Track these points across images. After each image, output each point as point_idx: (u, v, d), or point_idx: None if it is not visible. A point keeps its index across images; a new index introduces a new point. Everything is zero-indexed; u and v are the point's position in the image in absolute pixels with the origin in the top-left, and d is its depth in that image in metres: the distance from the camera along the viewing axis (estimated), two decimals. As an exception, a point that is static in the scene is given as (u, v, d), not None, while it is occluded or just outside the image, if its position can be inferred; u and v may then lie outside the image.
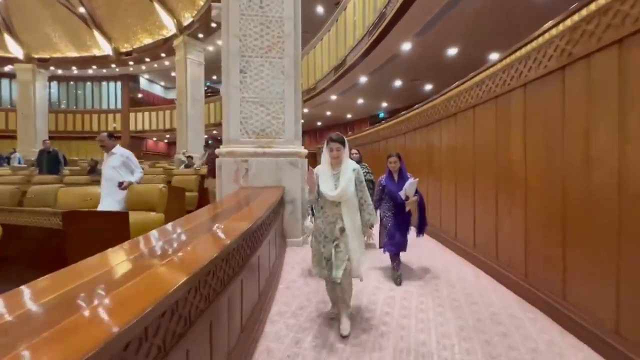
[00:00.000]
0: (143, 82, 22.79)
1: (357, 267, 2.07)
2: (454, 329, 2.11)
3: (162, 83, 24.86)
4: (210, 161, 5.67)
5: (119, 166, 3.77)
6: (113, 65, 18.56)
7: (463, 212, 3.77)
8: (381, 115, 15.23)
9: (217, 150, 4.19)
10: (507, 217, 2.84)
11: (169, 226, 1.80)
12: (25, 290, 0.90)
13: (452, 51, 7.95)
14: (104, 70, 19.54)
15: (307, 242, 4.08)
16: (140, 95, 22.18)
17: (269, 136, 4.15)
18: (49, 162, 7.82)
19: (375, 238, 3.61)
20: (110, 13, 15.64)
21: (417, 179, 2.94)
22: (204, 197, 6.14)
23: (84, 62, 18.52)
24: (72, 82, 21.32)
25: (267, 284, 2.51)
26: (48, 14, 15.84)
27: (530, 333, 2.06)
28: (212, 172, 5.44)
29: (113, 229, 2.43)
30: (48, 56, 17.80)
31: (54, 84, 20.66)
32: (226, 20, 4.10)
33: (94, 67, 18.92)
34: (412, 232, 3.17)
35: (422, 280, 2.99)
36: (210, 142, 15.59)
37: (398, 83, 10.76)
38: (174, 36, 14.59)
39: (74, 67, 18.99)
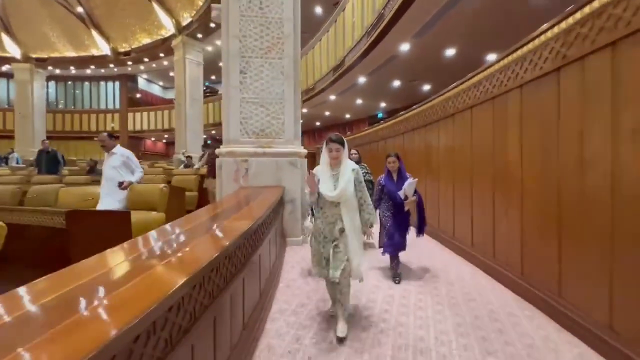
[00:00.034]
0: (141, 82, 22.76)
1: (357, 268, 2.08)
2: (451, 326, 2.15)
3: (161, 83, 24.83)
4: (211, 161, 5.69)
5: (120, 166, 3.79)
6: (111, 65, 18.52)
7: (461, 212, 3.81)
8: (380, 115, 15.28)
9: (217, 150, 4.22)
10: (504, 218, 2.88)
11: (171, 225, 1.83)
12: (29, 290, 0.91)
13: (450, 52, 8.00)
14: (102, 70, 19.50)
15: (306, 242, 4.11)
16: (138, 95, 22.15)
17: (269, 136, 4.18)
18: (48, 162, 7.81)
19: (375, 237, 3.64)
20: (109, 13, 15.61)
21: (416, 179, 2.97)
22: (204, 197, 6.16)
23: (82, 62, 18.47)
24: (70, 82, 21.27)
25: (268, 283, 2.54)
26: (46, 13, 15.80)
27: (527, 330, 2.10)
28: (212, 172, 5.46)
29: (115, 228, 2.45)
30: (46, 56, 17.75)
31: (52, 83, 20.59)
32: (226, 21, 4.13)
33: (92, 67, 18.88)
34: (412, 231, 3.20)
35: (421, 279, 3.03)
36: (209, 142, 15.59)
37: (396, 83, 10.81)
38: (172, 36, 14.58)
39: (72, 67, 18.94)
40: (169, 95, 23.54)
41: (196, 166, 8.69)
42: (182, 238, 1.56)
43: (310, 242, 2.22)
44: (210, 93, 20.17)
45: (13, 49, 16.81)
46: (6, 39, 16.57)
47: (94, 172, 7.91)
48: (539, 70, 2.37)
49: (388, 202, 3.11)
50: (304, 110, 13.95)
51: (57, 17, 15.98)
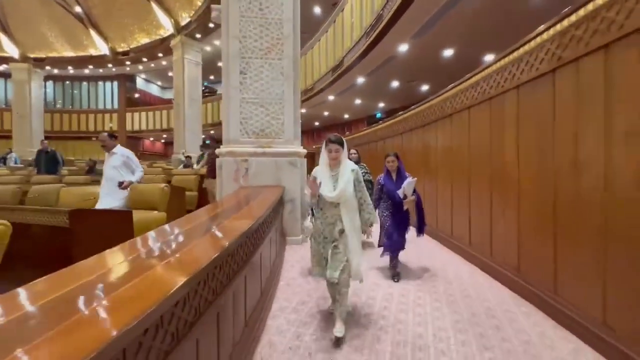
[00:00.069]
0: (140, 82, 22.72)
1: (356, 269, 2.07)
2: (449, 323, 2.19)
3: (159, 83, 24.80)
4: (211, 162, 5.70)
5: (120, 166, 3.81)
6: (109, 65, 18.49)
7: (459, 212, 3.85)
8: (378, 115, 15.33)
9: (217, 150, 4.25)
10: (501, 218, 2.92)
11: (175, 224, 1.86)
12: (32, 289, 0.91)
13: (448, 52, 8.05)
14: (101, 70, 19.46)
15: (306, 241, 4.14)
16: (136, 95, 22.12)
17: (269, 136, 4.21)
18: (47, 162, 7.81)
19: (374, 237, 3.67)
20: (107, 13, 15.59)
21: (415, 178, 2.98)
22: (204, 197, 6.19)
23: (80, 62, 18.43)
24: (68, 82, 21.22)
25: (269, 281, 2.57)
26: (44, 13, 15.76)
27: (524, 326, 2.14)
28: (211, 173, 5.48)
29: (117, 227, 2.47)
30: (44, 56, 17.69)
31: (50, 83, 20.54)
32: (226, 22, 4.16)
33: (90, 66, 18.83)
34: (411, 231, 3.21)
35: (420, 278, 3.06)
36: (207, 142, 15.58)
37: (395, 84, 10.86)
38: (171, 36, 14.57)
39: (70, 67, 18.89)
40: (168, 95, 23.50)
41: (196, 167, 8.71)
42: (185, 237, 1.59)
43: (311, 242, 2.23)
44: (209, 93, 20.17)
45: (11, 49, 16.76)
46: (4, 39, 16.51)
47: (93, 172, 7.92)
48: (535, 71, 2.41)
49: (387, 201, 3.13)
50: (303, 111, 13.97)
51: (55, 16, 15.94)
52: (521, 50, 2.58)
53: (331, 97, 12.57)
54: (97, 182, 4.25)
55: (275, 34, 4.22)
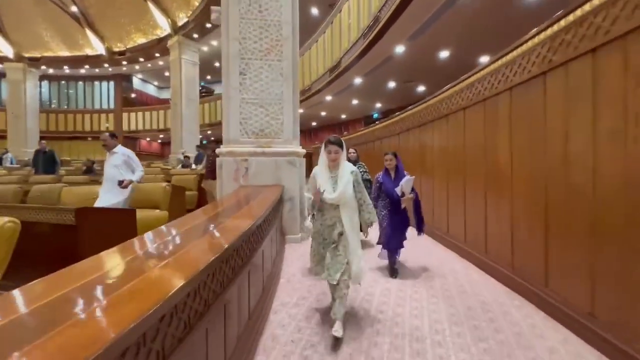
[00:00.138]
0: (136, 82, 22.64)
1: (357, 272, 2.09)
2: (445, 316, 2.27)
3: (156, 83, 24.72)
4: (210, 163, 5.74)
5: (121, 165, 3.85)
6: (106, 65, 18.43)
7: (455, 210, 3.94)
8: (375, 115, 15.44)
9: (217, 150, 4.30)
10: (495, 215, 3.01)
11: (179, 223, 1.92)
12: (32, 290, 0.92)
13: (444, 54, 8.16)
14: (97, 70, 19.38)
15: (305, 239, 4.21)
16: (133, 95, 22.04)
17: (268, 136, 4.27)
18: (45, 162, 7.79)
19: (372, 236, 3.74)
20: (103, 12, 15.53)
21: (414, 177, 3.03)
22: (203, 196, 6.23)
23: (76, 62, 18.33)
24: (63, 82, 21.09)
25: (270, 278, 2.64)
26: (39, 12, 15.66)
27: (516, 318, 2.23)
28: (210, 174, 5.52)
29: (121, 225, 2.52)
30: (39, 55, 17.58)
31: (45, 83, 20.40)
32: (226, 24, 4.21)
33: (87, 66, 18.74)
34: (411, 230, 3.26)
35: (417, 274, 3.14)
36: (204, 142, 15.58)
37: (392, 84, 10.96)
38: (168, 36, 14.57)
39: (65, 67, 18.79)
40: (164, 95, 23.44)
41: (194, 167, 8.73)
42: (192, 234, 1.65)
43: (311, 242, 2.28)
44: (206, 93, 20.17)
45: (5, 49, 16.63)
46: (-1, 38, 16.39)
47: (91, 172, 7.92)
48: (527, 73, 2.50)
49: (385, 199, 3.19)
50: (300, 111, 14.01)
51: (51, 16, 15.85)
52: (514, 53, 2.67)
53: (328, 98, 12.64)
54: (97, 182, 4.28)
55: (275, 36, 4.28)
